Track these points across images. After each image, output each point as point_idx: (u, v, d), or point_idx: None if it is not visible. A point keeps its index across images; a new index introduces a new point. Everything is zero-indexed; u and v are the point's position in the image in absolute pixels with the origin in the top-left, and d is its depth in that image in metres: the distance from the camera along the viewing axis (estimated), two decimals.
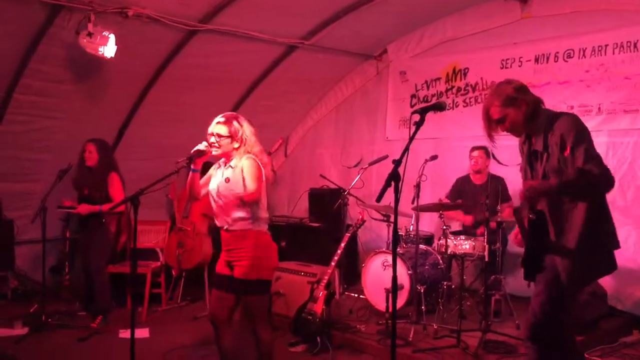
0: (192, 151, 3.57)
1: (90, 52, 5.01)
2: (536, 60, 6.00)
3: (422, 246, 5.61)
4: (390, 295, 4.63)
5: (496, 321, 4.98)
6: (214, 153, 3.62)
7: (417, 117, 2.84)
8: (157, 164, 6.15)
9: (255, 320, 3.66)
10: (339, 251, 4.99)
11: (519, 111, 3.07)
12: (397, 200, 2.73)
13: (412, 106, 7.08)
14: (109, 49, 5.06)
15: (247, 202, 3.51)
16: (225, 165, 3.69)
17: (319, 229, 6.76)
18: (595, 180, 2.84)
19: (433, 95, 6.91)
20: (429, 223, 6.43)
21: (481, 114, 3.18)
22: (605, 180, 2.87)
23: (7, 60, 5.32)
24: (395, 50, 7.32)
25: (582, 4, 5.66)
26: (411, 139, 2.79)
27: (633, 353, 4.59)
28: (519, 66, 6.11)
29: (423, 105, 6.64)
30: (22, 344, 4.89)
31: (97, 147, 5.51)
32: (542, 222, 3.00)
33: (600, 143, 5.39)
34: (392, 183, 2.69)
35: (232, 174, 3.60)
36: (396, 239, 3.06)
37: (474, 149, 5.70)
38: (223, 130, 3.59)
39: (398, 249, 5.50)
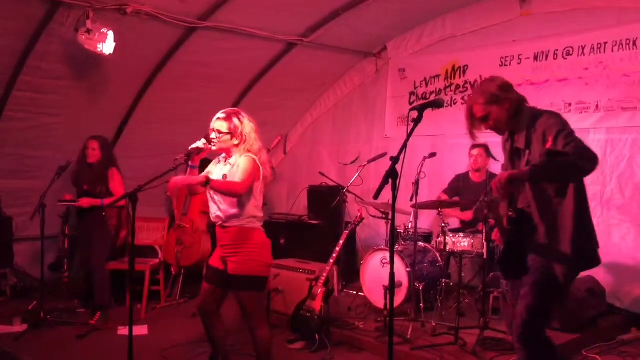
0: (189, 148, 3.57)
1: (89, 49, 5.01)
2: (535, 57, 5.99)
3: (420, 243, 5.61)
4: (388, 292, 4.64)
5: (494, 318, 4.98)
6: (213, 149, 3.62)
7: (415, 114, 2.85)
8: (156, 161, 6.14)
9: (251, 318, 3.66)
10: (337, 248, 4.99)
11: (503, 109, 3.06)
12: (394, 198, 2.74)
13: (410, 103, 7.08)
14: (108, 46, 5.06)
15: (229, 191, 3.51)
16: (225, 161, 3.70)
17: (318, 226, 6.77)
18: (568, 159, 2.73)
19: (432, 93, 6.91)
20: (427, 220, 6.43)
21: (464, 112, 3.18)
22: (580, 157, 2.74)
23: (6, 57, 5.32)
24: (394, 48, 7.31)
25: (581, 2, 5.65)
26: (409, 136, 2.79)
27: (631, 350, 4.60)
28: (518, 64, 6.10)
29: (421, 102, 6.66)
30: (21, 341, 4.89)
31: (100, 144, 5.54)
32: (523, 220, 2.99)
33: (598, 140, 5.45)
34: (390, 180, 2.69)
35: (229, 171, 3.61)
36: (394, 237, 3.06)
37: (473, 147, 5.69)
38: (223, 126, 3.59)
39: (397, 247, 5.51)
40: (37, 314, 5.35)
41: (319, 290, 4.83)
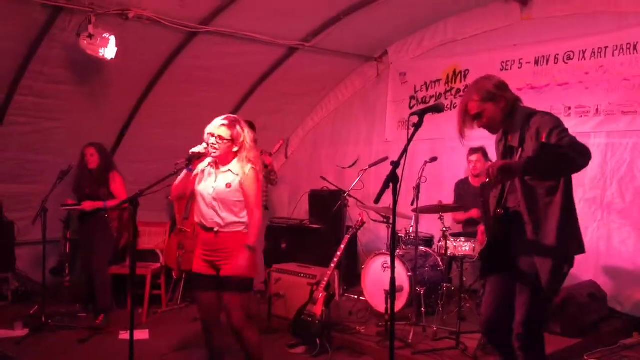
0: (190, 152, 3.58)
1: (90, 54, 5.03)
2: (536, 62, 6.00)
3: (421, 248, 5.61)
4: (389, 297, 4.63)
5: None
6: (213, 155, 3.63)
7: (415, 119, 2.85)
8: (157, 166, 6.15)
9: (240, 319, 3.64)
10: (338, 253, 4.99)
11: (498, 107, 3.06)
12: (395, 202, 2.74)
13: (410, 107, 7.09)
14: (110, 51, 5.08)
15: (260, 228, 3.73)
16: (217, 166, 3.69)
17: (319, 230, 6.76)
18: (562, 151, 2.73)
19: (432, 97, 6.92)
20: (428, 225, 6.42)
21: (458, 109, 3.17)
22: (573, 150, 2.73)
23: (8, 62, 5.35)
24: (395, 52, 7.33)
25: (582, 6, 5.66)
26: (409, 140, 2.80)
27: (633, 355, 4.59)
28: (519, 68, 6.11)
29: (422, 106, 6.67)
30: (22, 345, 4.89)
31: (97, 150, 5.59)
32: (511, 218, 3.00)
33: (598, 144, 5.46)
34: (391, 185, 2.70)
35: (233, 181, 3.62)
36: (394, 241, 3.06)
37: (471, 152, 5.68)
38: (226, 133, 3.61)
39: (398, 251, 5.50)
40: (39, 318, 5.35)
41: (320, 295, 4.82)
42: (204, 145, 3.60)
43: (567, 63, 5.77)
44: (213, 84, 6.70)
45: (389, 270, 2.85)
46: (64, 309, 5.94)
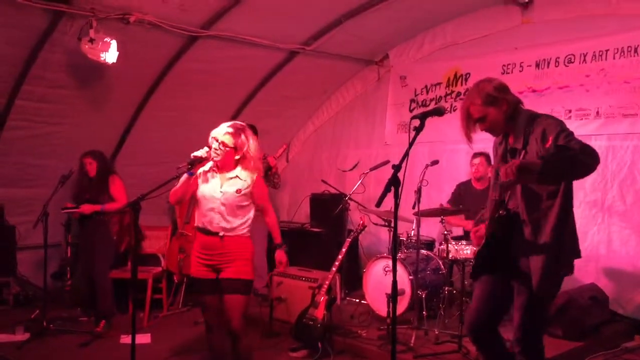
0: (192, 156, 3.58)
1: (92, 58, 5.04)
2: (537, 65, 6.00)
3: (423, 251, 5.60)
4: (391, 300, 4.63)
5: None
6: (214, 159, 3.64)
7: (416, 122, 2.85)
8: (158, 170, 6.17)
9: (239, 323, 3.65)
10: (340, 256, 4.99)
11: (500, 110, 3.04)
12: (396, 206, 2.74)
13: (410, 111, 7.10)
14: (111, 55, 5.09)
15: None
16: (220, 171, 3.70)
17: (321, 234, 6.76)
18: (577, 153, 2.72)
19: (432, 100, 6.92)
20: (430, 228, 6.42)
21: (460, 113, 3.15)
22: (584, 153, 2.74)
23: (9, 67, 5.35)
24: (396, 56, 7.33)
25: (583, 9, 5.66)
26: (411, 144, 2.80)
27: (635, 358, 4.58)
28: (520, 71, 6.11)
29: (422, 109, 6.67)
30: (23, 350, 4.89)
31: (94, 157, 5.57)
32: (512, 221, 3.00)
33: (599, 147, 5.43)
34: (392, 188, 2.69)
35: (242, 186, 3.66)
36: (396, 244, 3.06)
37: (475, 156, 5.69)
38: (229, 141, 3.63)
39: (399, 254, 5.50)
40: (40, 322, 5.35)
41: (322, 298, 4.82)
42: (206, 149, 3.61)
43: (567, 66, 5.78)
44: (214, 88, 6.71)
45: (391, 273, 2.85)
46: (65, 313, 5.95)
